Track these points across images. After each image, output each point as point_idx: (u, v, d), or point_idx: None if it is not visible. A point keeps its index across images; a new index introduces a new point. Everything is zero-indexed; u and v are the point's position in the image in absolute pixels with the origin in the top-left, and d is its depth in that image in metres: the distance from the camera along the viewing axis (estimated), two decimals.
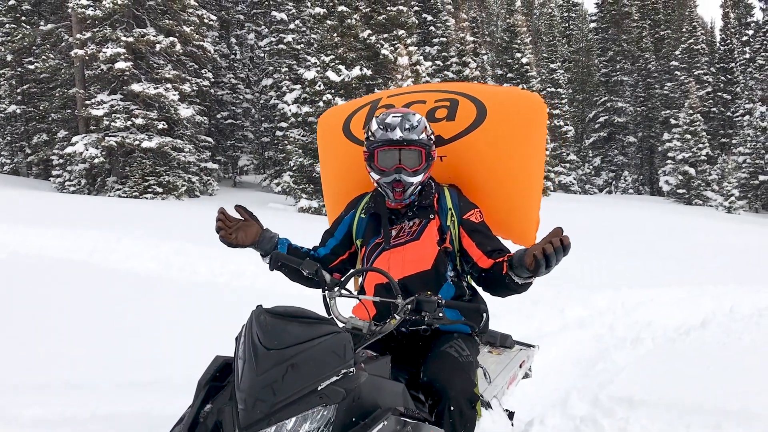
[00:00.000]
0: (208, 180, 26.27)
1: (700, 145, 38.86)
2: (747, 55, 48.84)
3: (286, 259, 2.56)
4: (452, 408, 2.31)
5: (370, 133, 2.72)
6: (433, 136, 2.75)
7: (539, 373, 4.28)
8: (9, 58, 27.96)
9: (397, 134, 2.63)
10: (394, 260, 2.67)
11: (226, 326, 4.61)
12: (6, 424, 3.69)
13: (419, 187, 2.70)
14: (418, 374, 2.53)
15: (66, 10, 24.72)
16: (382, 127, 2.66)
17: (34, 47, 26.78)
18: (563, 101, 43.42)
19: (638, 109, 49.48)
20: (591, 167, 48.50)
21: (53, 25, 26.70)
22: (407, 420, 2.02)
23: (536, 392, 4.55)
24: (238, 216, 2.65)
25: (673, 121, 41.99)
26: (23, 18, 28.18)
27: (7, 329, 5.58)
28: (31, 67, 26.02)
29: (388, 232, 2.73)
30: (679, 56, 48.41)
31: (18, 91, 28.67)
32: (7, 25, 27.83)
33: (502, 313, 6.04)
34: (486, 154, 3.02)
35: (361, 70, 21.21)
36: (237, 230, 2.60)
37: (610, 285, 8.97)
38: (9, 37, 26.91)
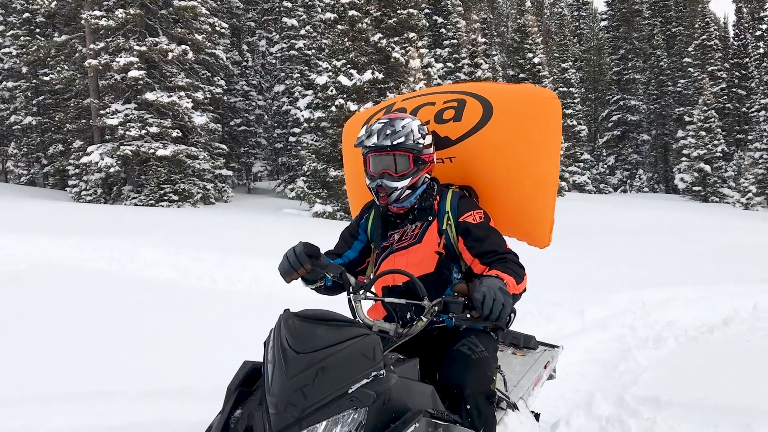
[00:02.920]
0: (223, 187, 26.37)
1: (715, 142, 38.55)
2: (761, 50, 48.35)
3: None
4: (469, 407, 2.32)
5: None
6: (423, 140, 2.69)
7: (561, 374, 4.25)
8: (24, 70, 28.26)
9: (372, 140, 2.63)
10: (398, 264, 2.67)
11: (246, 333, 4.61)
12: None
13: (407, 191, 2.67)
14: (431, 375, 2.52)
15: (79, 21, 24.93)
16: (366, 133, 2.68)
17: (48, 59, 27.00)
18: (576, 100, 43.22)
19: (651, 106, 49.17)
20: (605, 166, 48.23)
21: (67, 36, 26.92)
22: (438, 422, 2.00)
23: (559, 394, 4.53)
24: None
25: (687, 118, 41.69)
26: (37, 30, 28.46)
27: (32, 339, 5.62)
28: (46, 78, 26.24)
29: (384, 236, 2.78)
30: (692, 53, 48.03)
31: (33, 102, 28.97)
32: (22, 38, 28.09)
33: (521, 315, 5.99)
34: (491, 154, 2.97)
35: (372, 73, 21.22)
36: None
37: (629, 285, 8.90)
38: (24, 50, 27.15)
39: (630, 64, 48.86)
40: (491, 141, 2.95)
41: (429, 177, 2.78)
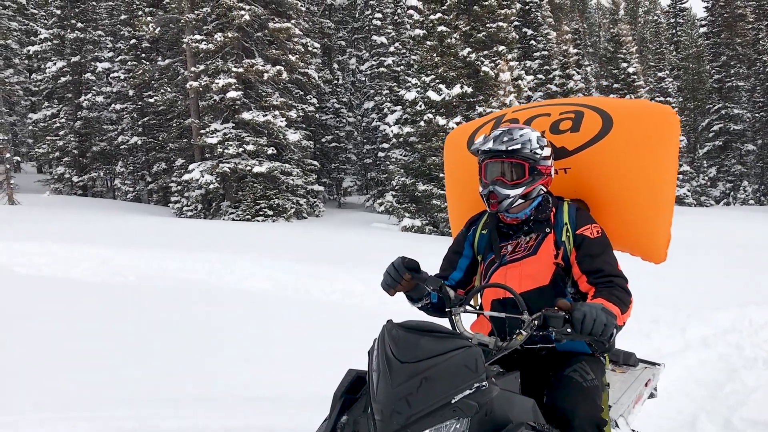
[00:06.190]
0: (315, 202, 27.06)
1: None
2: None
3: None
4: None
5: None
6: (542, 151, 2.65)
7: (663, 393, 4.12)
8: (131, 92, 30.05)
9: (488, 145, 2.62)
10: (511, 276, 2.64)
11: (340, 342, 4.73)
12: None
13: (519, 200, 2.63)
14: (536, 397, 2.50)
15: (181, 45, 26.28)
16: (483, 139, 2.68)
17: (153, 81, 28.63)
18: (674, 110, 41.56)
19: (757, 114, 46.57)
20: (706, 178, 46.04)
21: (170, 60, 28.48)
22: None
23: (661, 413, 4.39)
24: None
25: None
26: (143, 55, 30.23)
27: (141, 347, 5.94)
28: (151, 100, 27.77)
29: (498, 247, 2.73)
30: None
31: (139, 123, 30.70)
32: (128, 63, 29.94)
33: (620, 331, 5.84)
34: (611, 166, 2.94)
35: (461, 88, 21.24)
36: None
37: (735, 302, 8.45)
38: (131, 74, 28.93)
39: (732, 71, 46.52)
40: (610, 153, 2.93)
41: (545, 189, 2.74)
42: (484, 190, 2.66)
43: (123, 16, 30.73)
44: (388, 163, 27.28)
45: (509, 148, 2.58)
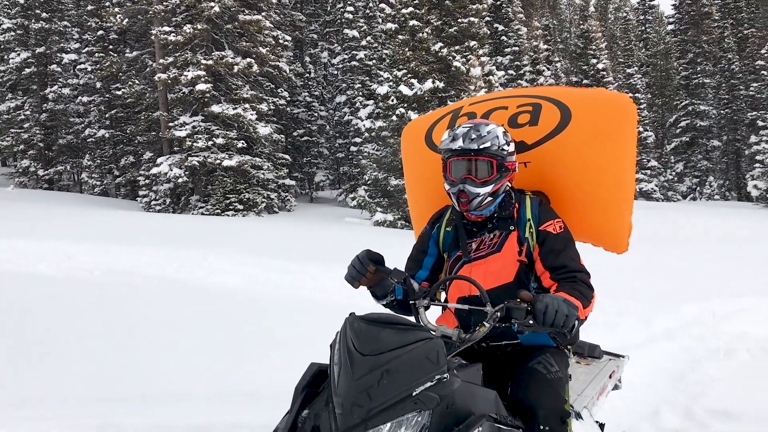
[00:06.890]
0: (286, 196, 26.89)
1: None
2: None
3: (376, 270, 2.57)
4: (542, 427, 2.30)
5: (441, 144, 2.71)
6: (508, 147, 2.64)
7: (627, 385, 4.17)
8: (98, 85, 29.51)
9: (458, 143, 2.57)
10: (475, 273, 2.61)
11: (310, 337, 4.70)
12: None
13: (488, 198, 2.61)
14: (500, 390, 2.51)
15: (149, 37, 25.91)
16: (449, 137, 2.63)
17: (120, 74, 28.14)
18: (642, 106, 42.13)
19: (722, 111, 47.42)
20: (673, 173, 46.75)
21: (138, 52, 28.04)
22: (502, 427, 2.02)
23: (625, 404, 4.43)
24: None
25: (760, 123, 40.01)
26: (110, 46, 29.71)
27: (107, 344, 5.84)
28: (119, 92, 27.31)
29: (465, 244, 2.70)
30: (765, 55, 46.10)
31: (106, 116, 30.18)
32: (96, 54, 29.41)
33: (585, 324, 5.89)
34: (571, 158, 2.93)
35: (433, 82, 21.27)
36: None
37: (699, 295, 8.61)
38: (98, 65, 28.41)
39: (699, 68, 47.29)
40: (570, 146, 2.92)
41: (509, 185, 2.72)
42: (453, 188, 2.62)
43: (90, 7, 30.13)
44: (360, 157, 27.21)
45: (481, 146, 2.55)
